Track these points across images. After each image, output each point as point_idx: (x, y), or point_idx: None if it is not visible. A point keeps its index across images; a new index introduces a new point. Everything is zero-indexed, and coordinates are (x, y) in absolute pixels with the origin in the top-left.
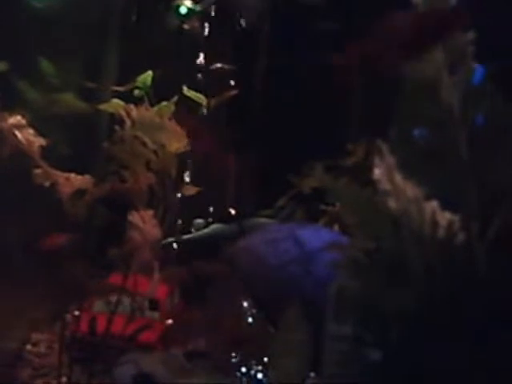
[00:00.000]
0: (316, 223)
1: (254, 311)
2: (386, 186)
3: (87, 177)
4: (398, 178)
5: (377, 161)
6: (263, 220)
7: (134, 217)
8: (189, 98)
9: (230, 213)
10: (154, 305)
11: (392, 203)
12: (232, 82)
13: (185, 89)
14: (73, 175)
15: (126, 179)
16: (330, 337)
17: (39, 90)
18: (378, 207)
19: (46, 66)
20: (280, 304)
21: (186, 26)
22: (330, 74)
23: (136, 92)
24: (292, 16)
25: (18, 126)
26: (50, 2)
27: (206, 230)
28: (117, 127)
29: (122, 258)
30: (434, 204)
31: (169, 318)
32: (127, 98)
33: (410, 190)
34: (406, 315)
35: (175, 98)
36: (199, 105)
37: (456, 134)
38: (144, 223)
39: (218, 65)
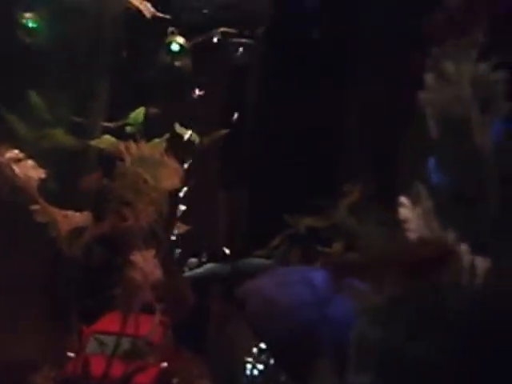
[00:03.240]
0: (312, 264)
1: (264, 357)
2: (421, 230)
3: (86, 213)
4: (435, 222)
5: (409, 205)
6: (258, 260)
7: (136, 256)
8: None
9: (224, 252)
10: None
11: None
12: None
13: (177, 126)
14: (70, 212)
15: (127, 217)
16: None
17: (28, 124)
18: (408, 251)
19: (35, 99)
20: (293, 349)
21: (177, 63)
22: (323, 112)
23: (128, 128)
24: (286, 52)
25: (16, 160)
26: (40, 37)
27: (199, 270)
28: (118, 163)
29: (123, 297)
30: (464, 248)
31: (163, 361)
32: (118, 134)
33: (447, 235)
34: (437, 366)
35: (167, 135)
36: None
37: (488, 176)
38: (145, 263)
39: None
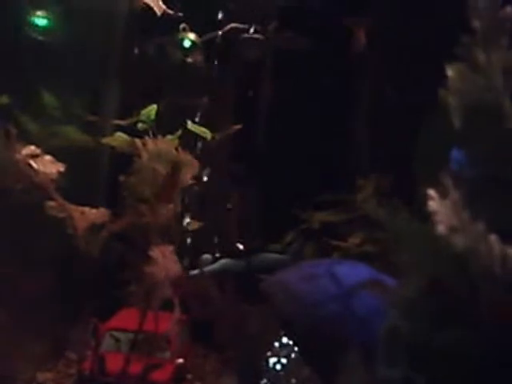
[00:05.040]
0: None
1: (286, 351)
2: (451, 221)
3: (103, 210)
4: (464, 213)
5: (436, 195)
6: (272, 255)
7: (154, 252)
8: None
9: (238, 248)
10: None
11: (458, 240)
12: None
13: (189, 123)
14: (87, 209)
15: (144, 213)
16: (380, 380)
17: (40, 122)
18: (440, 244)
19: (47, 98)
20: (319, 343)
21: (189, 60)
22: (336, 106)
23: (140, 125)
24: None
25: (33, 156)
26: (51, 35)
27: (213, 266)
28: (135, 159)
29: (141, 294)
30: (494, 238)
31: (179, 358)
32: (130, 131)
33: (477, 225)
34: (469, 359)
35: (179, 132)
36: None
37: None
38: (164, 258)
39: None
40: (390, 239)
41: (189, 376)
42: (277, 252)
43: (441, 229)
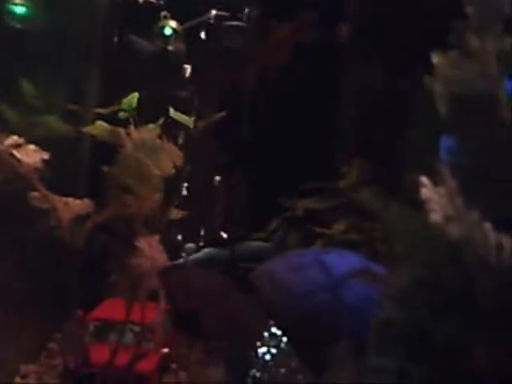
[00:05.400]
0: (311, 246)
1: (275, 342)
2: (446, 210)
3: (87, 201)
4: (459, 202)
5: (430, 184)
6: (256, 244)
7: (140, 242)
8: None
9: (221, 237)
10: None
11: (453, 229)
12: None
13: (171, 110)
14: (71, 200)
15: (129, 203)
16: (372, 370)
17: (19, 111)
18: (434, 233)
19: (26, 87)
20: (308, 333)
21: (170, 47)
22: (321, 94)
23: (121, 114)
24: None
25: (16, 146)
26: (30, 23)
27: (197, 255)
28: (120, 149)
29: (127, 284)
30: (490, 227)
31: (164, 347)
32: (111, 120)
33: (472, 214)
34: (464, 349)
35: (161, 120)
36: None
37: None
38: (150, 248)
39: None
40: (382, 228)
41: (173, 366)
42: (261, 240)
43: (435, 217)
